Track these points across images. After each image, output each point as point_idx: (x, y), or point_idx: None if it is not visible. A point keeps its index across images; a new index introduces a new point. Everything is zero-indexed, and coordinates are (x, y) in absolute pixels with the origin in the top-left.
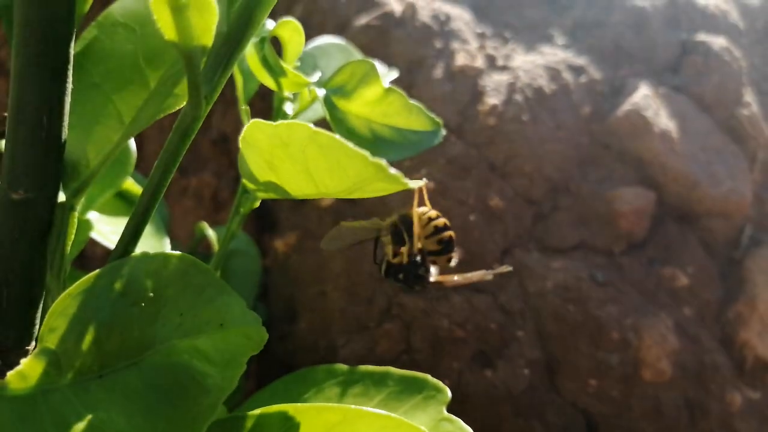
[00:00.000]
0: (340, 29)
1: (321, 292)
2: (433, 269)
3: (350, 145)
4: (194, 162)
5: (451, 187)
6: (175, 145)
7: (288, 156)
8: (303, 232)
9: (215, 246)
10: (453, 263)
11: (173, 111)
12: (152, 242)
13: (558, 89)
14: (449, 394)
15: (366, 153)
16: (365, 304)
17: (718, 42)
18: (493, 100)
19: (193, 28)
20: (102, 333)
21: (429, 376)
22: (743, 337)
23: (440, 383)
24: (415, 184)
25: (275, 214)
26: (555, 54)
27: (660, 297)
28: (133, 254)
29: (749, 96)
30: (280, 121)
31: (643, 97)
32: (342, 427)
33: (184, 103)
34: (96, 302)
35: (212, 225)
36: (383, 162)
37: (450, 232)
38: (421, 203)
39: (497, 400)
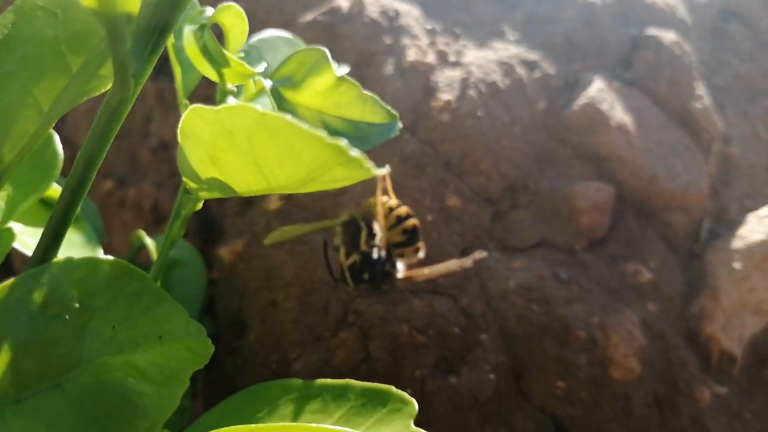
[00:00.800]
0: (285, 25)
1: (271, 302)
2: (400, 265)
3: (304, 125)
4: (132, 172)
5: (407, 187)
6: (101, 132)
7: (233, 146)
8: (250, 237)
9: (154, 255)
10: (421, 254)
11: (99, 94)
12: (82, 253)
13: (512, 84)
14: (416, 406)
15: (322, 133)
16: (319, 312)
17: (668, 36)
18: (446, 95)
19: None
20: (19, 351)
21: (393, 388)
22: (708, 331)
23: (406, 395)
24: (379, 171)
25: (220, 222)
26: (507, 49)
27: (624, 293)
28: (55, 260)
29: (701, 89)
30: (222, 105)
31: (597, 90)
32: None
33: (110, 84)
34: (11, 316)
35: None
36: (343, 142)
37: (414, 221)
38: (384, 193)
39: (463, 407)
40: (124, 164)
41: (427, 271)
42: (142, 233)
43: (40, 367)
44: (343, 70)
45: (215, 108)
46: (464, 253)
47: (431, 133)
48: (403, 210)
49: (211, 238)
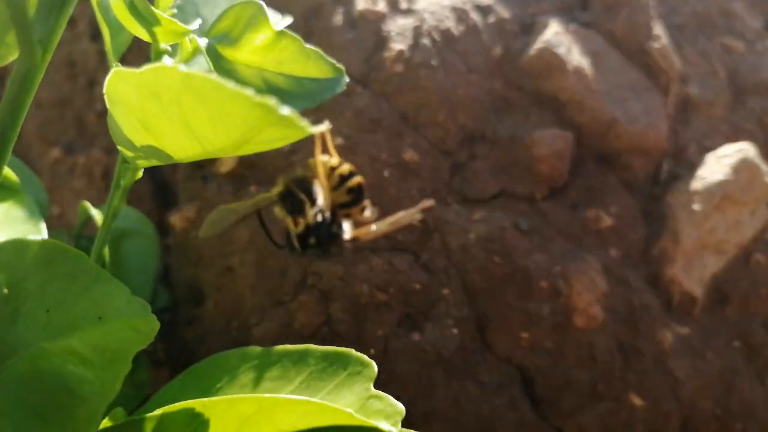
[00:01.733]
0: None
1: (227, 269)
2: (346, 225)
3: (229, 84)
4: (80, 138)
5: (361, 142)
6: (11, 105)
7: (162, 110)
8: (203, 203)
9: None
10: (368, 213)
11: (5, 63)
12: (23, 228)
13: (466, 31)
14: (375, 368)
15: (250, 92)
16: (277, 276)
17: None
18: (399, 45)
19: None
20: None
21: (353, 351)
22: (669, 274)
23: (365, 357)
24: (315, 128)
25: (173, 188)
26: None
27: (586, 240)
28: None
29: (658, 29)
30: (145, 66)
31: (554, 34)
32: (257, 418)
33: (17, 53)
34: None
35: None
36: (272, 101)
37: (358, 179)
38: (325, 151)
39: (428, 364)
40: (71, 131)
41: (374, 227)
42: (88, 204)
43: None
44: (285, 21)
45: (138, 70)
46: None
47: (385, 86)
48: (346, 168)
49: (165, 204)
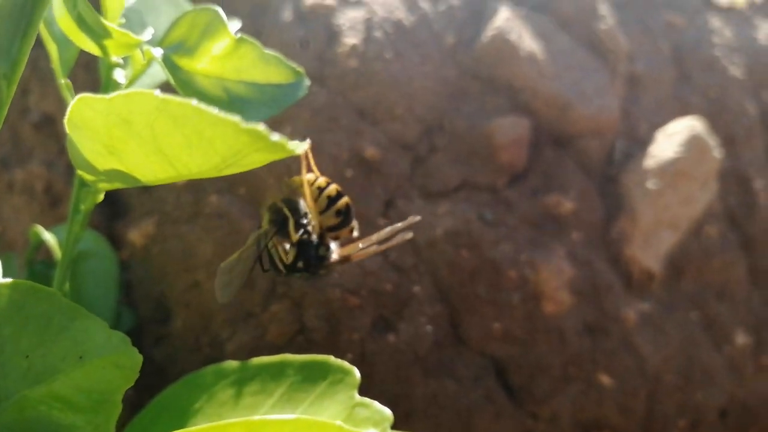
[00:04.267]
0: None
1: (193, 283)
2: (333, 245)
3: (213, 110)
4: (16, 152)
5: (322, 142)
6: None
7: (132, 136)
8: (160, 217)
9: (57, 253)
10: (356, 233)
11: None
12: None
13: (417, 20)
14: (357, 375)
15: (236, 118)
16: (246, 288)
17: None
18: (351, 39)
19: None
20: None
21: (331, 358)
22: (628, 253)
23: (345, 364)
24: (301, 148)
25: (125, 199)
26: None
27: (548, 226)
28: None
29: (603, 9)
30: (115, 93)
31: (505, 20)
32: None
33: None
34: None
35: (52, 222)
36: (261, 127)
37: (346, 199)
38: (309, 169)
39: (405, 364)
40: (5, 144)
41: (361, 245)
42: (40, 229)
43: None
44: (235, 25)
45: (106, 97)
46: (388, 205)
47: (340, 82)
48: (333, 189)
49: (115, 216)
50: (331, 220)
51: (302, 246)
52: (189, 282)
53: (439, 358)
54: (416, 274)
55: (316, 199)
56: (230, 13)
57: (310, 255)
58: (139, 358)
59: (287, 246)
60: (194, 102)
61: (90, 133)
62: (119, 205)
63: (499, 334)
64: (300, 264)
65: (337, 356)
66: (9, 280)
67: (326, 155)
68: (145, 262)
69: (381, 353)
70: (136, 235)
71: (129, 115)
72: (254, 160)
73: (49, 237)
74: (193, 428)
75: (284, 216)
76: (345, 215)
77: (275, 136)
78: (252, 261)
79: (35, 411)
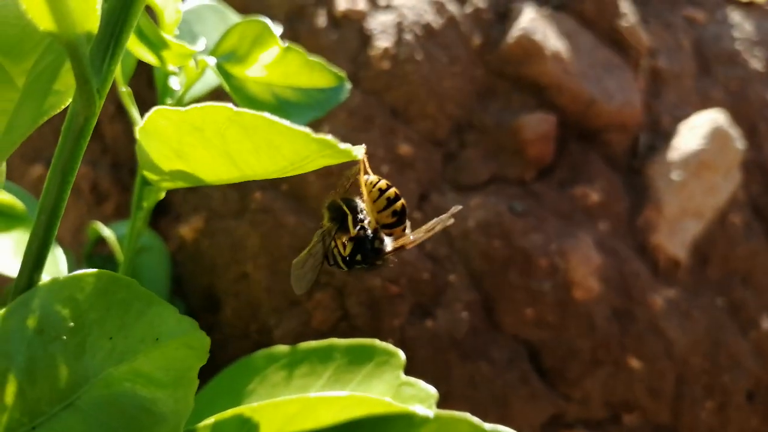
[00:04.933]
0: None
1: (242, 275)
2: (387, 239)
3: (285, 122)
4: None
5: (358, 140)
6: (70, 152)
7: (202, 141)
8: (209, 213)
9: (115, 248)
10: (408, 231)
11: (59, 111)
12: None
13: (445, 23)
14: (403, 356)
15: (307, 130)
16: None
17: None
18: (383, 43)
19: (74, 12)
20: (24, 380)
21: (377, 341)
22: (654, 241)
23: (390, 347)
24: (361, 152)
25: (168, 196)
26: None
27: (576, 217)
28: (41, 283)
29: (625, 7)
30: (191, 106)
31: (529, 21)
32: (302, 416)
33: (69, 100)
34: (8, 347)
35: (99, 218)
36: (329, 137)
37: (402, 201)
38: (365, 171)
39: (442, 348)
40: (52, 147)
41: (413, 236)
42: (99, 225)
43: (49, 391)
44: (278, 30)
45: (182, 109)
46: (422, 198)
47: (374, 83)
48: (392, 192)
49: (162, 213)
50: (388, 219)
51: (359, 240)
52: (237, 273)
53: (474, 343)
54: (451, 264)
55: (375, 200)
56: (269, 18)
57: (366, 248)
58: (208, 340)
59: (345, 241)
60: (266, 114)
61: (160, 139)
62: (163, 203)
63: (531, 319)
64: (358, 257)
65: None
66: (94, 270)
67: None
68: (194, 255)
69: (420, 338)
70: (186, 230)
71: (202, 124)
72: (319, 163)
73: (108, 233)
74: (252, 405)
75: (344, 213)
76: (400, 215)
77: (343, 145)
78: (321, 255)
79: (120, 387)
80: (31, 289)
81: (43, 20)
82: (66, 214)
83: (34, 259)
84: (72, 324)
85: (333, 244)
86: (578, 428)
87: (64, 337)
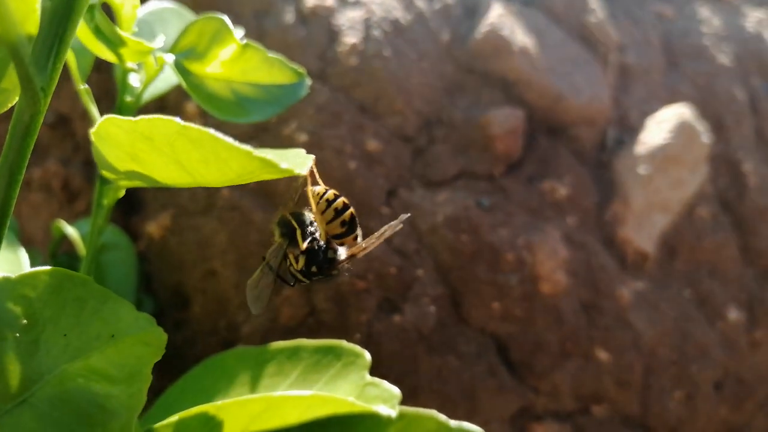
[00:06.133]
0: None
1: (210, 271)
2: (340, 249)
3: (228, 139)
4: (33, 151)
5: (325, 137)
6: (17, 150)
7: (154, 149)
8: (177, 210)
9: (80, 246)
10: (359, 240)
11: (6, 109)
12: (5, 256)
13: (414, 19)
14: (368, 357)
15: (248, 147)
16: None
17: None
18: (351, 39)
19: (14, 14)
20: None
21: (344, 342)
22: (622, 235)
23: (357, 348)
24: (305, 168)
25: (138, 193)
26: None
27: (544, 211)
28: None
29: (594, 2)
30: (140, 117)
31: (498, 16)
32: (266, 415)
33: (17, 98)
34: None
35: (70, 217)
36: (270, 156)
37: (350, 210)
38: (314, 182)
39: (410, 343)
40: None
41: (364, 244)
42: (63, 223)
43: (2, 388)
44: (239, 33)
45: (133, 119)
46: (390, 194)
47: (342, 79)
48: (340, 202)
49: (132, 211)
50: (337, 229)
51: (311, 253)
52: (205, 270)
53: (442, 337)
54: (419, 259)
55: (323, 211)
56: (234, 16)
57: (319, 260)
58: (164, 336)
59: (298, 255)
60: (211, 131)
61: (114, 143)
62: (134, 201)
63: (498, 313)
64: (313, 269)
65: (345, 337)
66: (48, 267)
67: (331, 149)
68: (162, 252)
69: (387, 333)
70: (153, 227)
71: (151, 134)
72: (265, 177)
73: (71, 231)
74: (218, 403)
75: (293, 228)
76: (350, 225)
77: (284, 165)
78: (273, 273)
79: (75, 383)
80: None
81: None
82: (37, 213)
83: None
84: (25, 321)
85: (288, 260)
86: (548, 420)
87: (17, 335)
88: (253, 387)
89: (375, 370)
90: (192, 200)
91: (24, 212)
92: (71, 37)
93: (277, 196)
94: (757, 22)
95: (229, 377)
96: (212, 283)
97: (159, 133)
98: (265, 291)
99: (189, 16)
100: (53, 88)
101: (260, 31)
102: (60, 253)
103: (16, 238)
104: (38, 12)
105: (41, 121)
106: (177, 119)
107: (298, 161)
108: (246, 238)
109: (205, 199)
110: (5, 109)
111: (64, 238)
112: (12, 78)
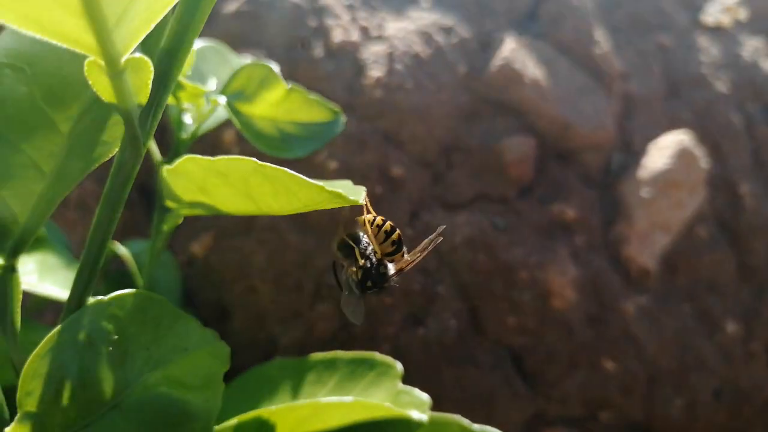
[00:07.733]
0: (209, 19)
1: (249, 288)
2: (390, 265)
3: (302, 177)
4: None
5: (354, 164)
6: (118, 194)
7: (226, 183)
8: (218, 231)
9: (132, 266)
10: (407, 256)
11: (108, 158)
12: (64, 274)
13: (433, 53)
14: (400, 368)
15: (322, 183)
16: (295, 291)
17: None
18: (376, 72)
19: (131, 88)
20: (77, 385)
21: (377, 354)
22: (626, 253)
23: (389, 359)
24: (362, 198)
25: None
26: (423, 18)
27: (554, 232)
28: (89, 303)
29: (599, 34)
30: (218, 157)
31: (510, 50)
32: (312, 419)
33: (116, 149)
34: (64, 358)
35: None
36: (340, 190)
37: (398, 232)
38: (368, 211)
39: (433, 353)
40: None
41: (409, 258)
42: (116, 244)
43: (98, 394)
44: (275, 68)
45: (211, 159)
46: (413, 216)
47: (367, 110)
48: (388, 225)
49: (175, 231)
50: (388, 248)
51: (367, 269)
52: (245, 287)
53: (461, 348)
54: (440, 276)
55: (376, 234)
56: (267, 50)
57: (374, 275)
58: (228, 349)
59: (356, 270)
60: (286, 169)
61: (187, 177)
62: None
63: (513, 326)
64: (369, 283)
65: (375, 348)
66: (132, 290)
67: (358, 175)
68: (204, 270)
69: (412, 345)
70: (196, 247)
71: (227, 171)
72: (329, 206)
73: (124, 251)
74: (270, 408)
75: (351, 248)
76: (398, 244)
77: (352, 197)
78: (356, 288)
79: (157, 390)
80: (81, 308)
81: (107, 95)
82: (72, 230)
83: (84, 284)
84: (116, 337)
85: (350, 275)
86: (558, 426)
87: (110, 348)
88: (295, 394)
89: (402, 379)
90: (232, 222)
91: (61, 229)
92: (166, 98)
93: (311, 219)
94: (754, 51)
95: (272, 385)
96: (252, 298)
97: (235, 170)
98: (359, 305)
99: (227, 53)
100: (150, 141)
101: (291, 65)
102: (109, 271)
103: (69, 254)
104: (149, 86)
105: (137, 169)
106: (253, 159)
107: (354, 192)
108: (283, 257)
109: (244, 222)
110: (105, 160)
111: (114, 257)
112: (112, 132)
